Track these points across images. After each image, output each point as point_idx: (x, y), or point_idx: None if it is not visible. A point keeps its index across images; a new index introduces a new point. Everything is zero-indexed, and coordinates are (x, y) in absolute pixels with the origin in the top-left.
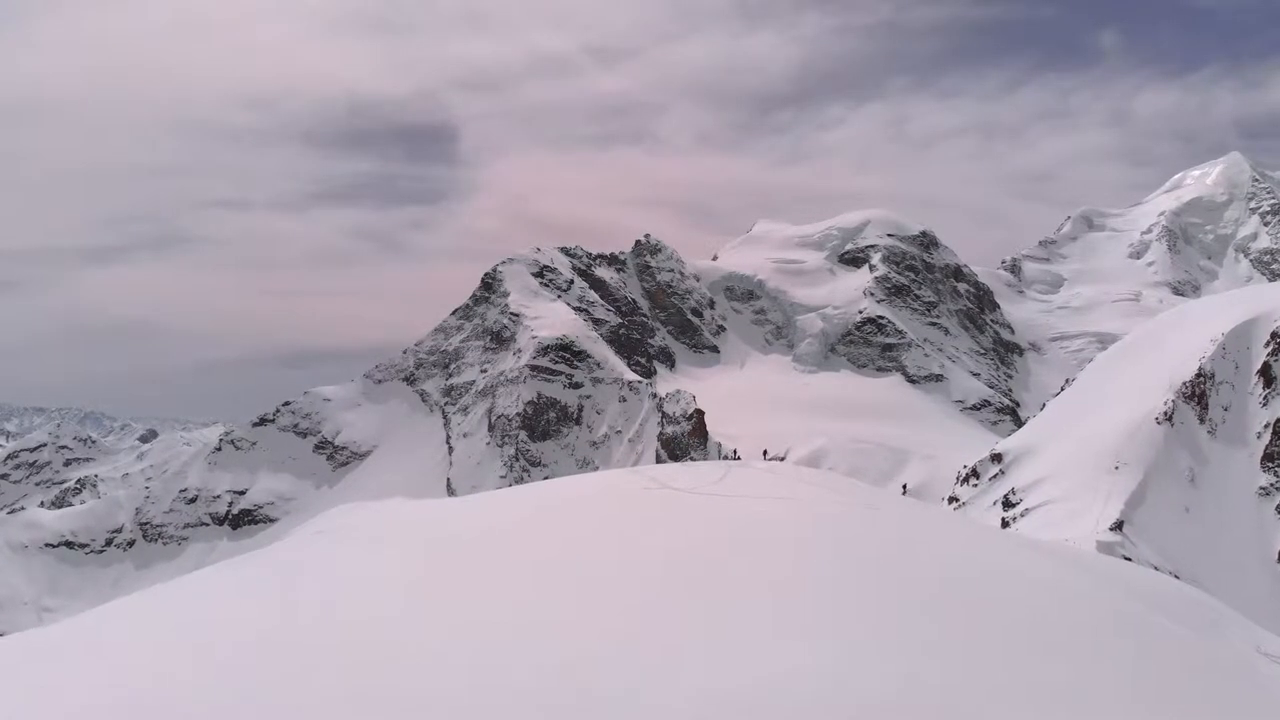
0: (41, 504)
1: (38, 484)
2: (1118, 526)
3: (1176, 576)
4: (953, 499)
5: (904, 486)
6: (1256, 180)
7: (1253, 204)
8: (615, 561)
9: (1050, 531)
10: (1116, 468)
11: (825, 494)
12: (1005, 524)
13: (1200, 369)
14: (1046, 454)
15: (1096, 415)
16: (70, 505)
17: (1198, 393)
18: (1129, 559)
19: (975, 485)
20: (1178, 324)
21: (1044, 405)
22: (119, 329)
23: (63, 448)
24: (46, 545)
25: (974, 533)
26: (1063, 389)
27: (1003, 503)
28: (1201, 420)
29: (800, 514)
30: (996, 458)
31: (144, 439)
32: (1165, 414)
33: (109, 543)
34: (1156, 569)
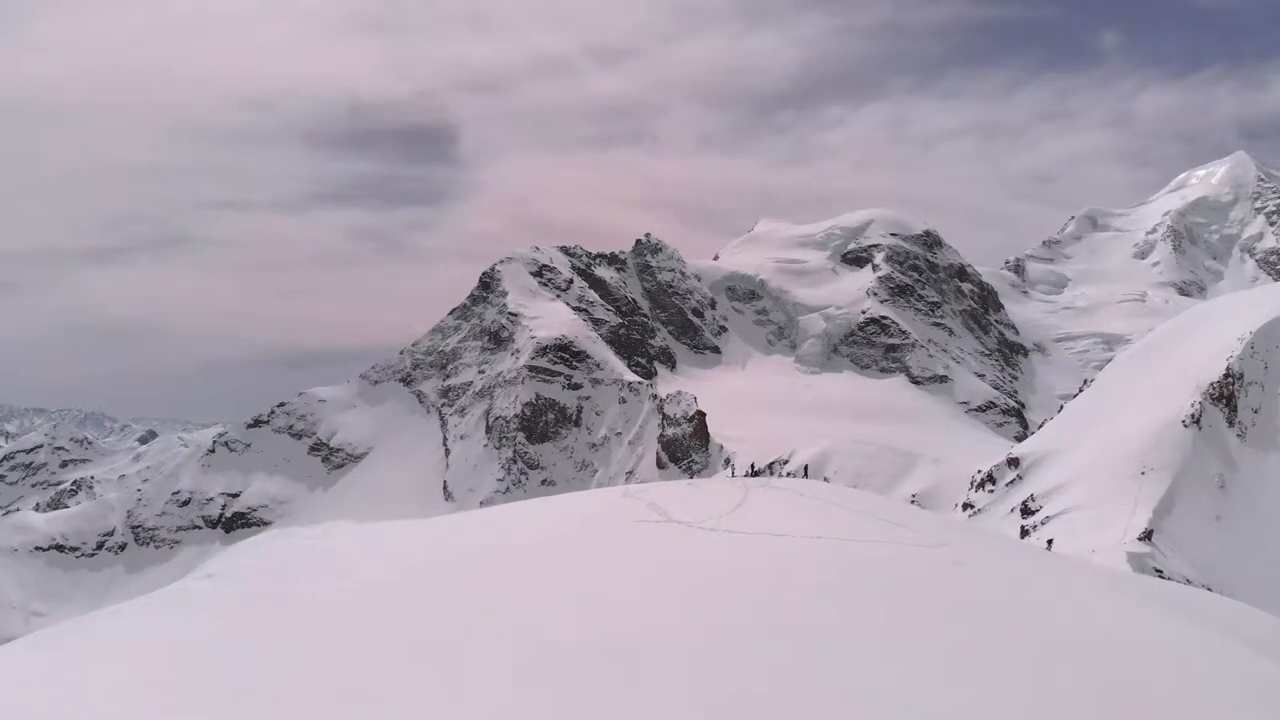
0: (37, 506)
1: (34, 486)
2: (1147, 536)
3: (1209, 589)
4: (967, 505)
5: (912, 496)
6: (1262, 180)
7: (1258, 204)
8: (575, 654)
9: (1075, 541)
10: (1142, 473)
11: (874, 528)
12: (1025, 532)
13: (1228, 369)
14: (1066, 458)
15: (1119, 418)
16: (66, 507)
17: (1226, 394)
18: (1160, 571)
19: (991, 491)
20: (1201, 322)
21: (1061, 407)
22: (119, 330)
23: (59, 449)
24: (36, 549)
25: (1076, 582)
26: (1081, 390)
27: (1021, 509)
28: (1230, 423)
29: (850, 565)
30: (1013, 462)
31: (143, 440)
32: (1192, 416)
33: (100, 546)
34: (1189, 582)
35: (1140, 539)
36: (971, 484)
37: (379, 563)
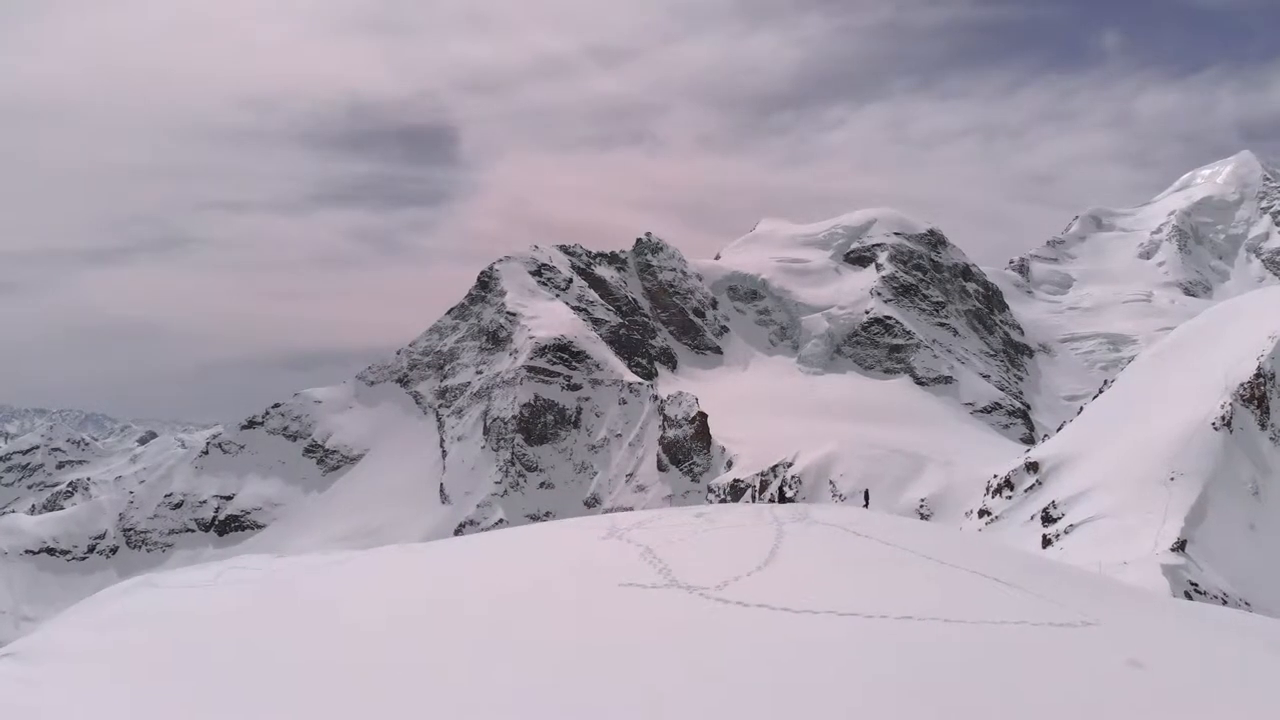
0: (33, 507)
1: (30, 487)
2: (1180, 547)
3: (1247, 604)
4: (983, 512)
5: (921, 501)
6: (1268, 179)
7: (1264, 203)
8: None
9: (1102, 551)
10: (1172, 479)
11: (980, 592)
12: (1047, 541)
13: (1259, 369)
14: (1089, 463)
15: (1143, 420)
16: (62, 509)
17: (1257, 395)
18: (1195, 584)
19: (1009, 497)
20: (1229, 320)
21: (1081, 409)
22: (120, 331)
23: (55, 450)
24: (27, 551)
25: None
26: (1101, 390)
27: (1042, 517)
28: (1263, 425)
29: (971, 673)
30: (1032, 466)
31: (143, 441)
32: (1223, 418)
33: (91, 549)
34: (1226, 596)
35: (1173, 550)
36: (987, 489)
37: (236, 638)
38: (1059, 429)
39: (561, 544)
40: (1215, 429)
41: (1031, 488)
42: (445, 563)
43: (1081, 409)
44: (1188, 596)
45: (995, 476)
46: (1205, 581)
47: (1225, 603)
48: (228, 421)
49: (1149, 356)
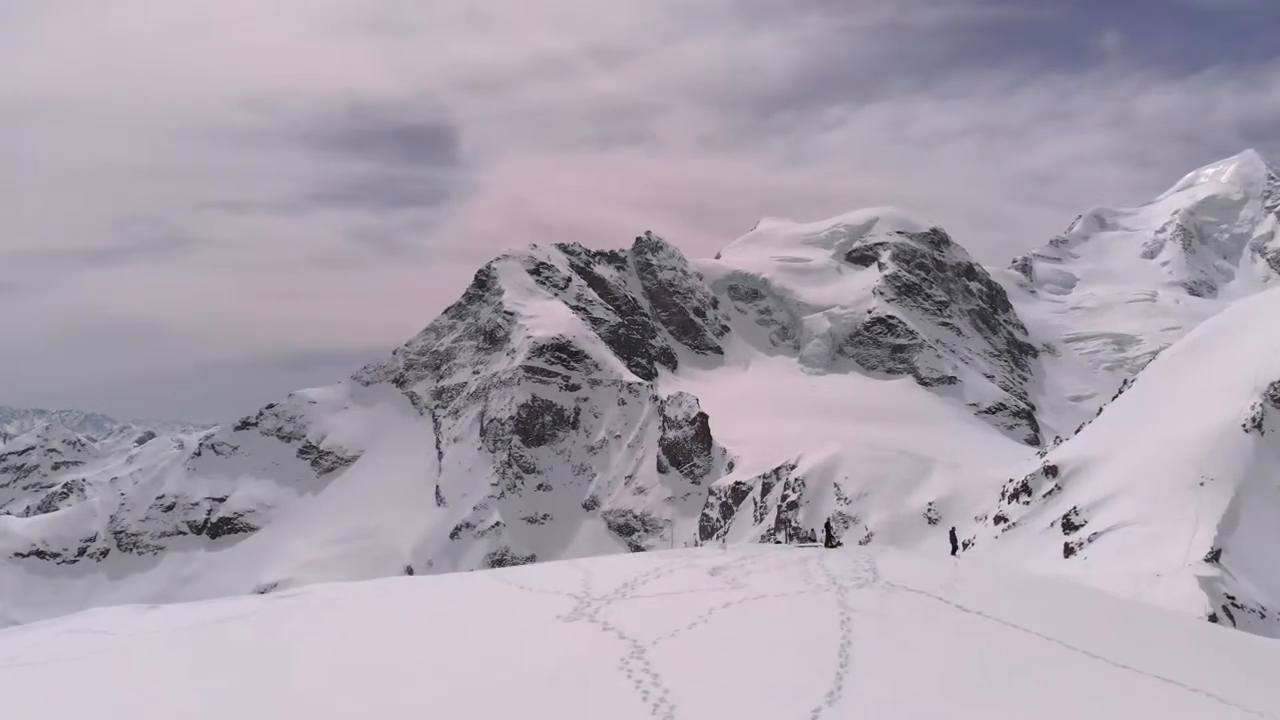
0: (28, 509)
1: (25, 488)
2: (1214, 556)
3: None
4: (999, 518)
5: (929, 504)
6: (1272, 179)
7: (1269, 202)
8: None
9: (1130, 562)
10: (1201, 483)
11: None
12: (1069, 550)
13: None
14: (1111, 466)
15: (1168, 422)
16: (57, 510)
17: None
18: (1233, 597)
19: (1026, 503)
20: (1252, 319)
21: (1100, 410)
22: (120, 331)
23: (51, 450)
24: (16, 555)
25: None
26: (1121, 391)
27: (1062, 524)
28: None
29: None
30: (1051, 470)
31: (141, 441)
32: (1253, 420)
33: (82, 552)
34: (1264, 609)
35: (1208, 560)
36: (1003, 494)
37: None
38: (1077, 430)
39: (505, 629)
40: (1245, 431)
41: (1050, 493)
42: (334, 661)
43: (1100, 410)
44: (1225, 611)
45: (1011, 481)
46: (1242, 594)
47: (1264, 616)
48: (226, 422)
49: (1169, 356)
